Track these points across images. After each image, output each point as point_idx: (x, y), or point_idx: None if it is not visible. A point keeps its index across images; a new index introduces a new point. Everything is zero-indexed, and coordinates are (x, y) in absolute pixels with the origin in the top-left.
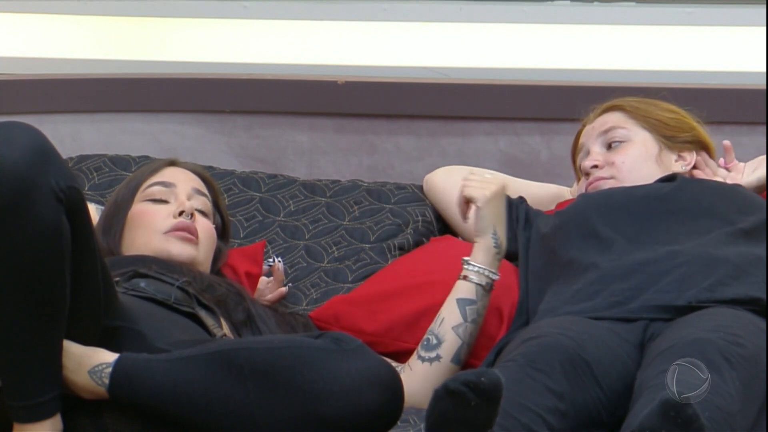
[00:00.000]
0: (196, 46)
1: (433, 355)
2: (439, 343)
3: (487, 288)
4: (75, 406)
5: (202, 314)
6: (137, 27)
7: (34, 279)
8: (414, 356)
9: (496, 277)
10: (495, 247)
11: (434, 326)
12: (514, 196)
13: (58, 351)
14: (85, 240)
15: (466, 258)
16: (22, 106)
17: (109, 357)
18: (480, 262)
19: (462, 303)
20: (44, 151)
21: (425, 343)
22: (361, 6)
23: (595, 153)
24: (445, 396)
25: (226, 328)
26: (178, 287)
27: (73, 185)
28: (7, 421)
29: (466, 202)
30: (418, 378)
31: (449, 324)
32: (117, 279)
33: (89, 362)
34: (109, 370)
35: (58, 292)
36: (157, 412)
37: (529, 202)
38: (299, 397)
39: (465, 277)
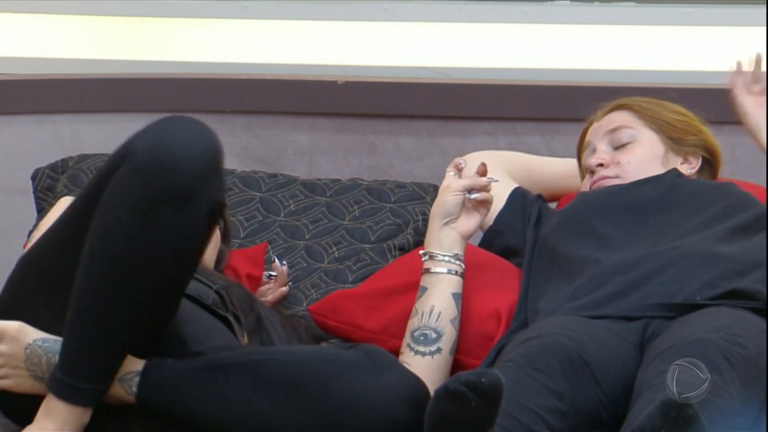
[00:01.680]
0: (196, 46)
1: (433, 348)
2: (439, 336)
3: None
4: (102, 406)
5: (232, 321)
6: (137, 27)
7: (158, 276)
8: (409, 353)
9: None
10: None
11: (430, 321)
12: (527, 173)
13: (128, 348)
14: (201, 257)
15: (459, 253)
16: (22, 106)
17: (137, 364)
18: (461, 254)
19: (456, 297)
20: (220, 159)
21: (422, 338)
22: (361, 6)
23: (601, 151)
24: (445, 396)
25: (246, 336)
26: (216, 291)
27: (224, 203)
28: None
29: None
30: (421, 372)
31: (447, 318)
32: None
33: (119, 370)
34: (138, 379)
35: (167, 297)
36: (185, 422)
37: (543, 179)
38: (328, 411)
39: (456, 272)
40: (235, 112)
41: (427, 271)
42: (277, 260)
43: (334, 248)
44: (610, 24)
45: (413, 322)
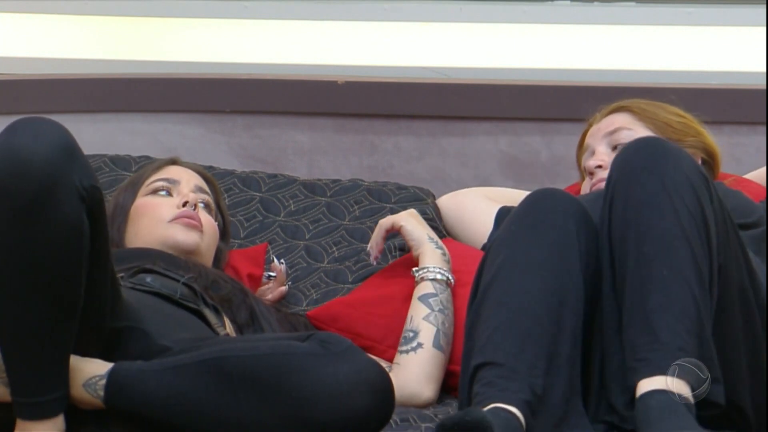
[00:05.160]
0: (196, 46)
1: (414, 344)
2: (416, 334)
3: (443, 281)
4: (79, 411)
5: (206, 312)
6: (137, 27)
7: (53, 277)
8: (397, 355)
9: (450, 276)
10: (438, 248)
11: (407, 326)
12: (509, 199)
13: (68, 351)
14: (100, 241)
15: (414, 268)
16: (22, 106)
17: (101, 368)
18: (428, 264)
19: (424, 297)
20: (70, 148)
21: (403, 341)
22: (361, 6)
23: (600, 153)
24: None
25: (229, 327)
26: (183, 284)
27: (96, 185)
28: (8, 422)
29: (387, 231)
30: (408, 368)
31: (419, 317)
32: (122, 274)
33: (82, 375)
34: (103, 382)
35: (73, 292)
36: (153, 422)
37: None
38: (288, 403)
39: (421, 279)
40: (235, 112)
41: None
42: (275, 259)
43: (334, 248)
44: (610, 24)
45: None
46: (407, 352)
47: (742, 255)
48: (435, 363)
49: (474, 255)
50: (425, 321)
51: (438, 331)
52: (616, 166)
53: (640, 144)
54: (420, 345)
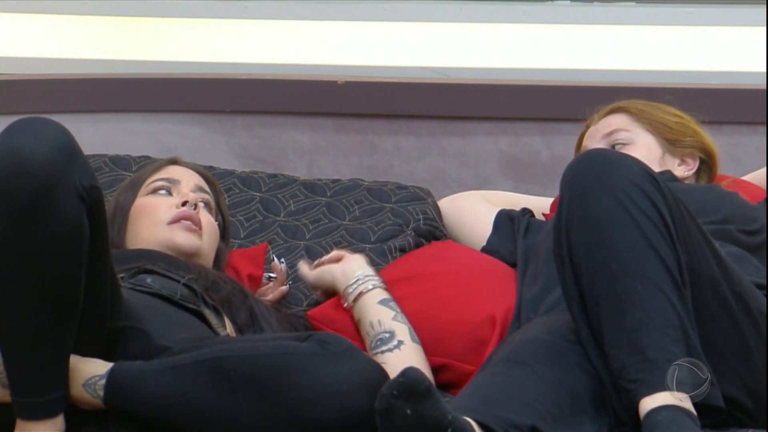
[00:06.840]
0: (196, 46)
1: (395, 342)
2: (393, 333)
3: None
4: (79, 411)
5: (207, 313)
6: (137, 27)
7: (52, 277)
8: (378, 357)
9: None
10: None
11: (377, 330)
12: (507, 202)
13: (68, 351)
14: (100, 241)
15: (358, 273)
16: (22, 106)
17: (101, 368)
18: (368, 272)
19: (384, 302)
20: (70, 148)
21: (379, 342)
22: (361, 6)
23: None
24: (382, 419)
25: (229, 328)
26: (184, 284)
27: (96, 185)
28: (8, 422)
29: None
30: (398, 363)
31: (387, 319)
32: (122, 275)
33: (82, 375)
34: (103, 382)
35: (73, 292)
36: (153, 422)
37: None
38: (287, 404)
39: (373, 287)
40: (235, 112)
41: (350, 308)
42: (275, 259)
43: (335, 248)
44: (610, 24)
45: (366, 344)
46: (391, 350)
47: (707, 245)
48: (420, 355)
49: (474, 256)
50: (395, 321)
51: (410, 328)
52: (566, 184)
53: (585, 159)
54: (401, 342)
